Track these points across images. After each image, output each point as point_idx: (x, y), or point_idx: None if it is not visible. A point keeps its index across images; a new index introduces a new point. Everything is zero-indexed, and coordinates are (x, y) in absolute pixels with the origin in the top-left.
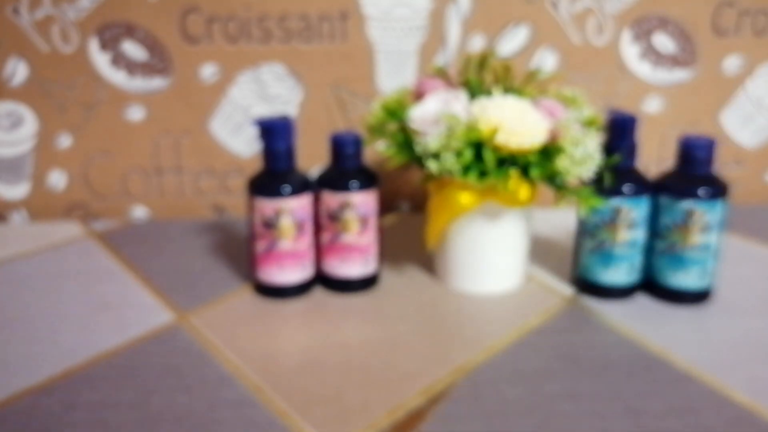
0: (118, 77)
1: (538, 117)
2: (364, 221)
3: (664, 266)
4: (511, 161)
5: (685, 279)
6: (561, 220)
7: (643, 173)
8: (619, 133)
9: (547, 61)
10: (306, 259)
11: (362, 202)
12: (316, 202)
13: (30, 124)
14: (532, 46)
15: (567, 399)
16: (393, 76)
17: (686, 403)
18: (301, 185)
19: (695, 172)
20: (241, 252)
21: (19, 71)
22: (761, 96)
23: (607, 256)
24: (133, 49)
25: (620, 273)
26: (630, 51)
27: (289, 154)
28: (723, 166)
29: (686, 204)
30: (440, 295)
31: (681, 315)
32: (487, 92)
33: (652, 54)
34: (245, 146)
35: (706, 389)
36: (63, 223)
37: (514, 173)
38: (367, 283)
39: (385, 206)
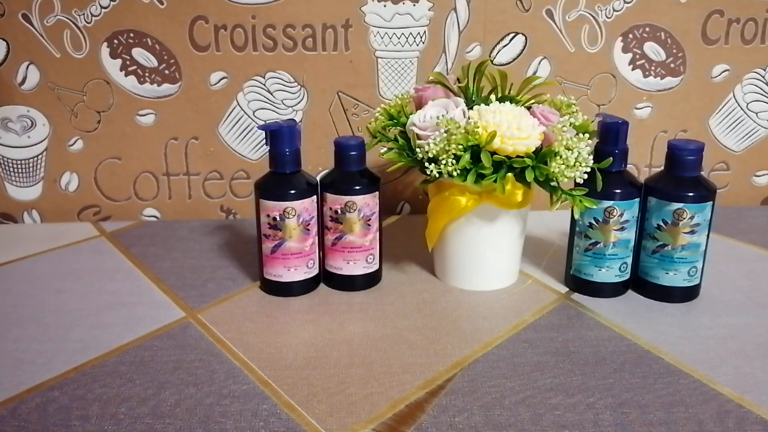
0: (128, 83)
1: (533, 122)
2: (366, 222)
3: (654, 265)
4: (507, 165)
5: (674, 277)
6: (555, 220)
7: (634, 176)
8: (611, 137)
9: (542, 68)
10: (311, 258)
11: (365, 203)
12: (321, 203)
13: (42, 128)
14: (528, 54)
15: (560, 392)
16: (394, 82)
17: (675, 397)
18: (307, 188)
19: (684, 175)
20: (248, 251)
21: (30, 76)
22: (749, 102)
23: (599, 256)
24: (142, 56)
25: (612, 271)
26: (622, 58)
27: (295, 158)
28: (710, 170)
29: (675, 206)
30: (439, 293)
31: (670, 312)
32: (485, 99)
33: (643, 61)
34: (252, 150)
35: (694, 383)
36: (75, 224)
37: (510, 176)
38: (369, 282)
39: (387, 208)
